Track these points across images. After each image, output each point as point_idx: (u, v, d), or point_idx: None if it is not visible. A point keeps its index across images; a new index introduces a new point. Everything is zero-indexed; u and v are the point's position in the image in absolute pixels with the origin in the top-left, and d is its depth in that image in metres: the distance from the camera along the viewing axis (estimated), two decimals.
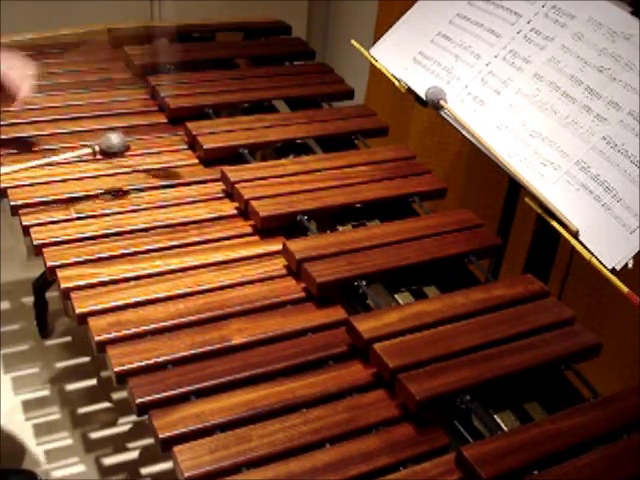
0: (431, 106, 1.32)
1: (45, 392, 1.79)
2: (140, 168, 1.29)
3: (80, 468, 1.63)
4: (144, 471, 1.64)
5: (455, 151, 1.94)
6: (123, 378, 0.91)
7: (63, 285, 1.03)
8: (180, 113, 1.43)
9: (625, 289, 1.00)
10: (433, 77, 1.35)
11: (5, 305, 2.01)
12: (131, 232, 1.14)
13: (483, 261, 1.19)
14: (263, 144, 1.38)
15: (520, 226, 1.41)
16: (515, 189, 1.34)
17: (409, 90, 1.38)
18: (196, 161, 1.33)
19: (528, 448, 0.83)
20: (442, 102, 1.29)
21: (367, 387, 0.94)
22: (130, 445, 1.69)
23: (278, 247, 1.13)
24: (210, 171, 1.30)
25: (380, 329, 0.96)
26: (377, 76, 1.75)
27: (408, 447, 0.86)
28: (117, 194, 1.20)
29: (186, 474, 0.80)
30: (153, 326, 0.98)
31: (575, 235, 1.08)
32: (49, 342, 1.92)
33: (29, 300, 1.94)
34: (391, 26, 1.47)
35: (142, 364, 0.92)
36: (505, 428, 0.92)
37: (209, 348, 0.96)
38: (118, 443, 1.69)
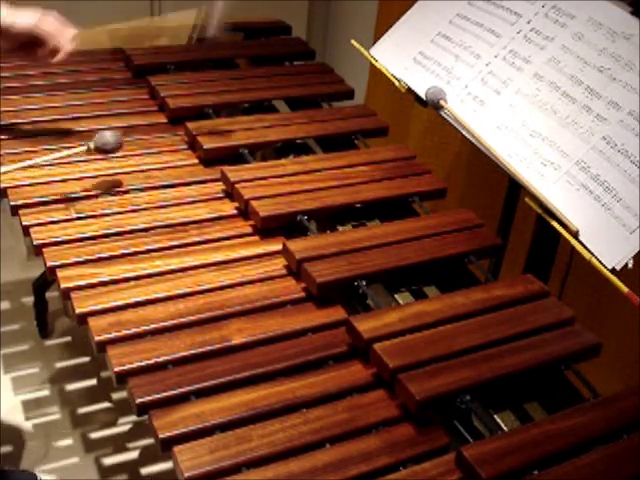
0: (431, 106, 1.32)
1: (45, 392, 1.79)
2: (140, 168, 1.29)
3: (80, 468, 1.63)
4: (144, 471, 1.64)
5: (455, 151, 1.94)
6: (123, 378, 0.91)
7: (63, 285, 1.03)
8: (180, 113, 1.43)
9: (625, 289, 1.00)
10: (433, 77, 1.35)
11: (5, 305, 2.01)
12: (131, 232, 1.14)
13: (483, 261, 1.19)
14: (263, 144, 1.39)
15: (520, 226, 1.41)
16: (515, 189, 1.34)
17: (409, 90, 1.38)
18: (196, 161, 1.33)
19: (528, 448, 0.83)
20: (442, 102, 1.29)
21: (367, 387, 0.94)
22: (130, 445, 1.69)
23: (278, 247, 1.13)
24: (210, 171, 1.30)
25: (380, 329, 0.96)
26: (377, 76, 1.75)
27: (408, 447, 0.86)
28: (113, 193, 1.21)
29: (186, 474, 0.80)
30: (153, 326, 0.98)
31: (575, 235, 1.08)
32: (49, 342, 1.92)
33: (29, 300, 1.94)
34: (391, 26, 1.47)
35: (142, 364, 0.92)
36: (505, 428, 0.92)
37: (209, 348, 0.96)
38: (118, 443, 1.69)
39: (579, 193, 1.10)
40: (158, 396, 0.88)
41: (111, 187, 1.22)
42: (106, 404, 1.77)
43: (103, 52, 1.65)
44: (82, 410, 1.76)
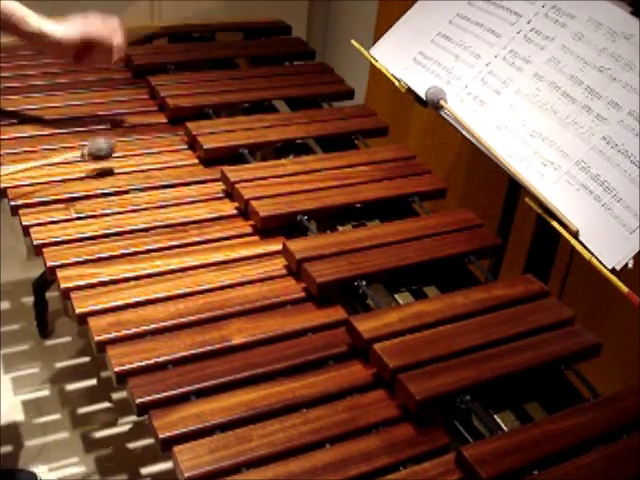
0: (431, 106, 1.32)
1: (45, 392, 1.79)
2: (140, 168, 1.29)
3: (80, 468, 1.63)
4: (144, 471, 1.64)
5: (455, 151, 1.94)
6: (123, 378, 0.91)
7: (63, 285, 1.03)
8: (180, 113, 1.43)
9: (625, 289, 1.00)
10: (433, 77, 1.35)
11: (5, 305, 2.01)
12: (131, 232, 1.14)
13: (483, 261, 1.19)
14: (263, 144, 1.38)
15: (520, 226, 1.41)
16: (515, 189, 1.34)
17: (409, 90, 1.38)
18: (196, 161, 1.33)
19: (528, 448, 0.83)
20: (442, 102, 1.29)
21: (367, 387, 0.94)
22: (130, 445, 1.69)
23: (278, 247, 1.13)
24: (210, 171, 1.30)
25: (380, 329, 0.96)
26: (377, 76, 1.75)
27: (408, 447, 0.86)
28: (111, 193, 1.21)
29: (186, 474, 0.80)
30: (153, 326, 0.98)
31: (575, 235, 1.08)
32: (49, 342, 1.92)
33: (29, 300, 1.94)
34: (391, 26, 1.47)
35: (142, 364, 0.92)
36: (505, 428, 0.92)
37: (209, 348, 0.96)
38: (118, 443, 1.69)
39: (579, 193, 1.10)
40: (158, 396, 0.88)
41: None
42: (106, 404, 1.77)
43: None
44: (82, 410, 1.76)
